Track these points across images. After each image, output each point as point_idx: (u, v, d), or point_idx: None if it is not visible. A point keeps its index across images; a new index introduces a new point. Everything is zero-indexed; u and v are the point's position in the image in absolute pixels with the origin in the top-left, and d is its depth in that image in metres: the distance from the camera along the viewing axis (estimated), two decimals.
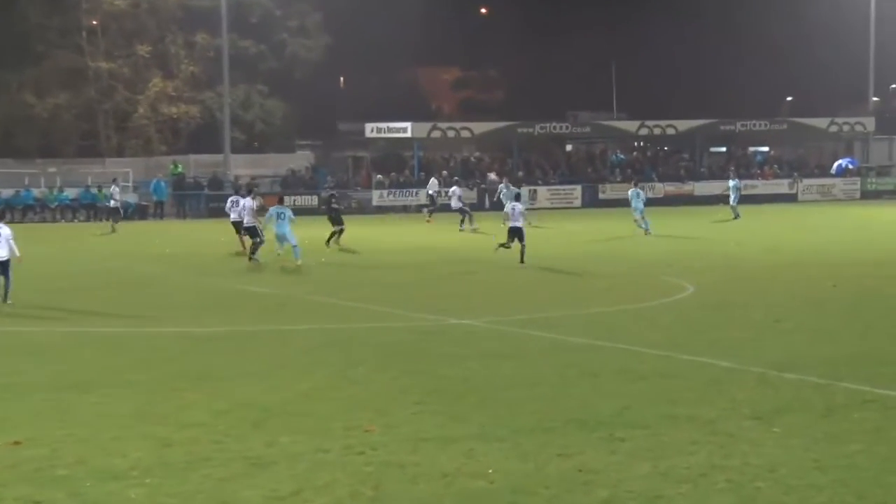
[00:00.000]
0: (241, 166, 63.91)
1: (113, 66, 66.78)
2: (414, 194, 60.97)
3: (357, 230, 45.91)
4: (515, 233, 29.85)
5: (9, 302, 21.93)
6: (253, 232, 31.73)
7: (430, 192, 55.03)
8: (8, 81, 64.74)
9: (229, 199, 35.65)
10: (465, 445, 11.17)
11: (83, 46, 66.63)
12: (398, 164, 66.26)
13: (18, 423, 12.16)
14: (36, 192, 57.71)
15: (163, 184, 58.89)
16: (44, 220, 55.26)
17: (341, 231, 36.10)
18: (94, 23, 67.18)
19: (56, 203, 56.63)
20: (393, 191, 62.34)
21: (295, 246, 30.12)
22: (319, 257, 31.73)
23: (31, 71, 65.34)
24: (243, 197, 33.92)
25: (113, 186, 49.32)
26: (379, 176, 63.52)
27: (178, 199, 59.51)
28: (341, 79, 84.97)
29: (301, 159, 68.15)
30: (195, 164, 64.70)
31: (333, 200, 38.59)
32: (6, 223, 23.33)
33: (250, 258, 30.93)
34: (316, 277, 28.03)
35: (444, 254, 34.34)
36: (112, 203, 48.64)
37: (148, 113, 67.05)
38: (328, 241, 35.46)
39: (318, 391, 13.81)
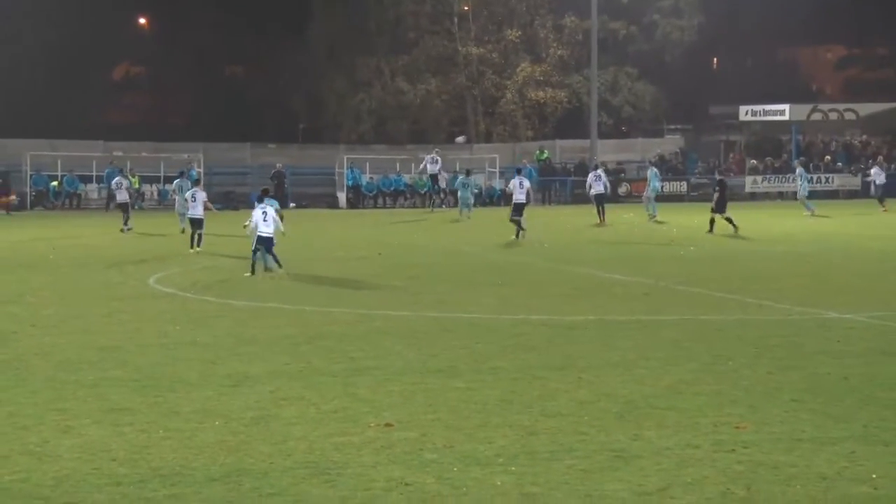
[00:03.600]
0: (608, 151, 63.68)
1: (482, 51, 68.05)
2: (790, 180, 58.77)
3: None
4: None
5: (279, 270, 22.76)
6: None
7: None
8: (381, 69, 67.28)
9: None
10: (845, 447, 10.46)
11: (454, 32, 68.23)
12: (774, 149, 64.04)
13: (390, 405, 12.35)
14: (407, 177, 59.74)
15: (530, 169, 59.57)
16: (413, 206, 57.12)
17: (727, 219, 35.65)
18: (466, 8, 68.67)
19: (425, 189, 58.39)
20: (768, 177, 60.34)
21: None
22: (688, 246, 31.12)
23: (403, 58, 67.59)
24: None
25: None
26: (753, 161, 61.70)
27: (542, 184, 59.98)
28: (714, 60, 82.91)
29: (670, 144, 67.20)
30: (561, 150, 65.05)
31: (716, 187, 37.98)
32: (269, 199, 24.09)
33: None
34: (681, 267, 27.43)
35: (823, 244, 33.00)
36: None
37: (515, 98, 67.97)
38: (710, 228, 35.33)
39: (686, 384, 13.32)
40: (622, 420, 11.60)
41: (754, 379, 13.63)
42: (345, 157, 59.79)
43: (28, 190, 55.98)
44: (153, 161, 58.27)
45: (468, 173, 37.92)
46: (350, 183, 58.96)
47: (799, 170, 48.21)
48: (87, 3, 68.51)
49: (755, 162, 61.54)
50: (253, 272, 25.40)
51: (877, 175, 47.15)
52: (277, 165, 58.84)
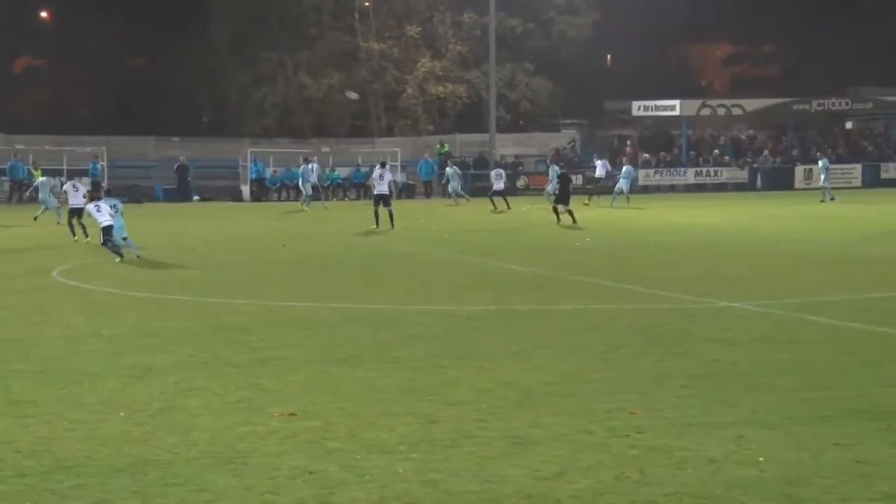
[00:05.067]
0: (506, 145, 64.39)
1: (383, 46, 68.25)
2: (682, 173, 60.20)
3: (621, 211, 45.66)
4: None
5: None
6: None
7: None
8: (284, 63, 67.12)
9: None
10: (734, 431, 10.84)
11: (355, 28, 68.34)
12: (666, 143, 65.34)
13: (293, 395, 12.54)
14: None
15: (430, 163, 59.97)
16: (317, 199, 57.07)
17: (568, 211, 37.24)
18: (367, 4, 68.83)
19: (329, 182, 58.43)
20: (660, 170, 61.69)
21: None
22: (584, 237, 31.58)
23: (305, 53, 67.53)
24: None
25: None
26: (646, 155, 62.92)
27: (442, 177, 60.41)
28: (608, 57, 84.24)
29: (566, 138, 68.08)
30: (461, 144, 65.53)
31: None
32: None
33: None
34: (576, 258, 27.92)
35: (713, 234, 33.71)
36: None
37: (416, 93, 68.26)
38: (557, 219, 37.28)
39: (581, 372, 13.69)
40: (521, 407, 11.91)
41: (646, 366, 14.05)
42: (249, 151, 59.61)
43: None
44: (56, 154, 57.54)
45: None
46: (254, 176, 58.83)
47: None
48: None
49: (648, 156, 62.68)
50: (121, 256, 26.94)
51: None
52: (181, 159, 58.51)
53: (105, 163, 56.90)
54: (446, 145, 64.02)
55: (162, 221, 43.14)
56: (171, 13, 70.44)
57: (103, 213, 27.18)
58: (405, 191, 58.67)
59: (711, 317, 18.10)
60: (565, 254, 28.82)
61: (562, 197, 38.46)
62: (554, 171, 46.69)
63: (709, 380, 13.23)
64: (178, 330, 17.01)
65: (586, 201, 47.58)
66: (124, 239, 27.93)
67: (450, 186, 52.62)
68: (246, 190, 59.06)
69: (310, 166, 51.00)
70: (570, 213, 37.83)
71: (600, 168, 55.17)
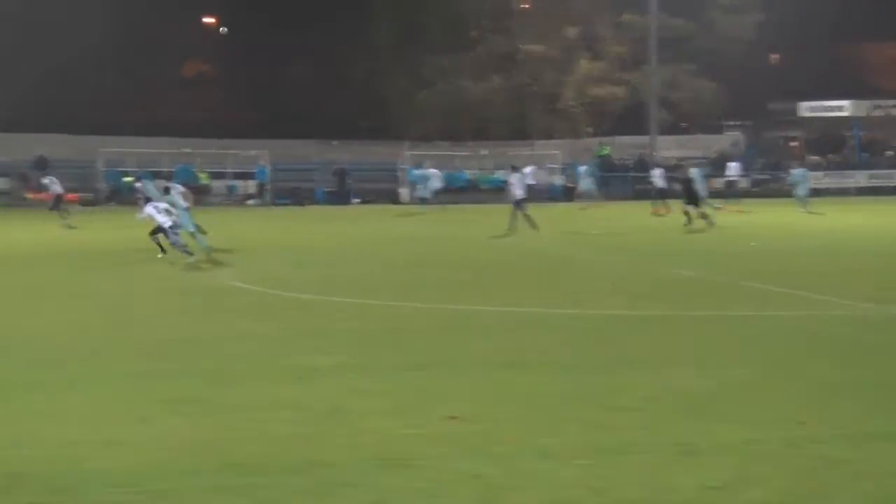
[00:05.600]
0: (667, 147, 63.59)
1: (542, 49, 68.11)
2: (853, 176, 58.47)
3: (793, 215, 44.64)
4: None
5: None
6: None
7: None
8: (444, 66, 67.56)
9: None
10: None
11: (514, 30, 68.37)
12: (835, 145, 63.71)
13: (457, 398, 12.51)
14: (469, 173, 59.94)
15: (592, 165, 59.64)
16: (475, 202, 57.34)
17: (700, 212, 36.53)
18: (526, 6, 68.79)
19: (486, 185, 58.57)
20: (830, 173, 60.10)
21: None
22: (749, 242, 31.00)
23: (465, 56, 67.85)
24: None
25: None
26: (815, 157, 61.46)
27: (603, 180, 60.01)
28: (774, 57, 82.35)
29: (729, 140, 66.98)
30: (621, 146, 65.02)
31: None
32: None
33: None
34: (743, 262, 27.37)
35: (891, 240, 32.81)
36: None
37: (575, 95, 67.96)
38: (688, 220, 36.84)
39: (753, 380, 13.36)
40: (690, 415, 11.66)
41: (819, 374, 13.64)
42: (408, 154, 60.16)
43: (102, 186, 57.19)
44: (221, 158, 59.17)
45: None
46: (413, 179, 59.37)
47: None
48: (155, 2, 69.53)
49: (818, 158, 61.17)
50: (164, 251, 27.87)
51: None
52: (340, 162, 59.43)
53: (268, 165, 58.14)
54: (606, 147, 63.53)
55: (322, 223, 43.80)
56: (333, 19, 71.54)
57: (162, 214, 27.87)
58: (564, 194, 58.39)
59: (889, 324, 17.49)
60: (732, 259, 28.29)
61: (692, 198, 37.77)
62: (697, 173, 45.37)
63: (887, 390, 12.78)
64: (342, 332, 17.15)
65: (718, 206, 46.07)
66: (191, 234, 28.95)
67: (583, 184, 51.75)
68: (405, 193, 59.62)
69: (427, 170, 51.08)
70: (705, 215, 37.28)
71: (733, 170, 53.85)
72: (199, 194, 58.47)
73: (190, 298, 21.29)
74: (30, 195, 50.53)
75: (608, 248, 31.53)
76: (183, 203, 29.18)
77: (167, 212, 28.16)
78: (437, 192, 51.02)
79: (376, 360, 14.80)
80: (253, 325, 17.96)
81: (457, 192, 58.84)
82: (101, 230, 39.72)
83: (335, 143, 63.94)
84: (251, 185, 59.52)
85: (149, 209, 28.51)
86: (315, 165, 61.75)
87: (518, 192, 37.39)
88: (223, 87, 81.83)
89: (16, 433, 10.95)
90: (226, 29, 60.65)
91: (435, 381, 13.42)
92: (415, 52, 67.08)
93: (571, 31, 67.72)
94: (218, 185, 59.77)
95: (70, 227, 40.08)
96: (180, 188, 30.79)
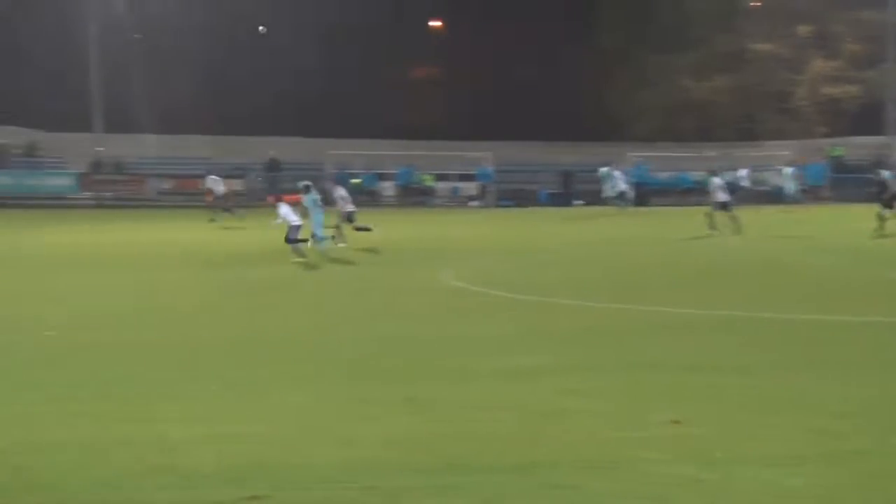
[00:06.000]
0: None
1: (771, 47, 66.53)
2: None
3: None
4: None
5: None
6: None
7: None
8: (668, 66, 66.78)
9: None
10: None
11: (742, 29, 67.02)
12: None
13: (677, 401, 12.33)
14: (694, 175, 59.02)
15: (821, 167, 57.91)
16: (699, 204, 56.41)
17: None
18: (756, 4, 67.33)
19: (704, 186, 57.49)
20: None
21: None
22: None
23: (690, 55, 66.90)
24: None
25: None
26: None
27: (836, 182, 58.18)
28: None
29: None
30: (856, 147, 62.88)
31: None
32: None
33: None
34: None
35: None
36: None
37: (807, 94, 66.10)
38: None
39: None
40: None
41: None
42: (631, 155, 59.71)
43: (329, 187, 58.75)
44: (446, 160, 60.09)
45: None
46: (636, 180, 58.85)
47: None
48: (385, 7, 71.14)
49: None
50: (302, 255, 28.28)
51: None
52: (564, 164, 59.43)
53: (493, 167, 58.65)
54: (839, 148, 61.54)
55: (544, 224, 43.88)
56: (557, 21, 71.63)
57: (291, 213, 28.74)
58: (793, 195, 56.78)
59: None
60: None
61: (890, 201, 36.57)
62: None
63: None
64: (558, 333, 17.16)
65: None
66: (314, 235, 30.13)
67: (788, 187, 49.88)
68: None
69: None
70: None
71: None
72: (424, 196, 59.57)
73: (411, 298, 21.63)
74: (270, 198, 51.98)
75: (819, 250, 30.58)
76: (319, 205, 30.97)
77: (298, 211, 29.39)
78: (623, 193, 50.61)
79: (594, 362, 14.74)
80: (473, 325, 18.12)
81: (684, 193, 58.05)
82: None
83: (560, 144, 63.97)
84: (474, 187, 60.16)
85: (283, 209, 29.27)
86: (539, 167, 61.92)
87: (720, 195, 37.73)
88: (448, 89, 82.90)
89: (252, 428, 11.32)
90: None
91: (651, 384, 13.27)
92: (639, 52, 66.53)
93: (803, 30, 65.93)
94: (442, 186, 60.64)
95: (213, 220, 41.27)
96: (342, 191, 33.24)
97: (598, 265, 28.13)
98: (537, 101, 75.41)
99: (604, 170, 52.30)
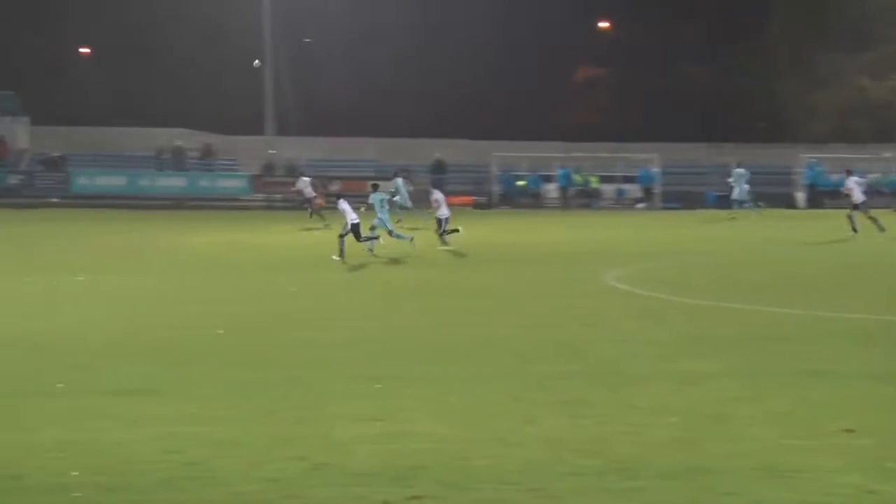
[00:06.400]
0: None
1: None
2: None
3: None
4: None
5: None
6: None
7: None
8: (843, 65, 65.03)
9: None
10: None
11: None
12: None
13: (847, 410, 12.02)
14: (871, 177, 57.32)
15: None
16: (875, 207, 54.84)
17: None
18: None
19: (889, 188, 55.89)
20: None
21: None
22: None
23: (867, 54, 65.02)
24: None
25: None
26: None
27: None
28: None
29: None
30: None
31: None
32: None
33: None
34: None
35: None
36: None
37: None
38: None
39: None
40: None
41: None
42: (803, 156, 58.41)
43: (495, 189, 59.16)
44: (610, 161, 59.69)
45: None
46: (808, 182, 57.55)
47: None
48: (551, 9, 71.09)
49: None
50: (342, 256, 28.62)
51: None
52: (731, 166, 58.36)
53: (658, 169, 58.06)
54: None
55: (707, 227, 43.31)
56: (727, 20, 70.48)
57: (350, 212, 29.38)
58: None
59: None
60: None
61: None
62: None
63: None
64: (725, 338, 16.89)
65: None
66: (390, 232, 31.18)
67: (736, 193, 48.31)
68: (801, 197, 57.90)
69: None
70: None
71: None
72: (589, 198, 59.23)
73: (575, 301, 21.53)
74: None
75: None
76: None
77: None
78: (749, 193, 49.30)
79: (762, 368, 14.48)
80: (639, 328, 17.97)
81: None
82: (490, 232, 40.87)
83: (729, 145, 62.82)
84: (638, 189, 59.61)
85: (343, 205, 29.83)
86: (707, 169, 60.95)
87: (858, 195, 37.30)
88: (614, 90, 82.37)
89: (415, 427, 11.45)
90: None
91: (821, 392, 12.98)
92: (811, 52, 64.95)
93: None
94: (607, 188, 60.27)
95: (308, 229, 41.35)
96: (438, 195, 33.35)
97: (763, 268, 27.58)
98: (705, 102, 74.32)
99: (739, 171, 51.18)
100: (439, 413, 12.04)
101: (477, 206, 56.13)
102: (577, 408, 12.23)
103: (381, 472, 9.89)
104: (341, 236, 29.29)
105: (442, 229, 32.70)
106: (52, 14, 69.48)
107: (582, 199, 59.15)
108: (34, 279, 25.08)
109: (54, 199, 56.34)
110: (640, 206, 58.29)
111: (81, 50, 73.49)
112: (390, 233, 31.32)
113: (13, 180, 59.17)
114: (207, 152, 61.92)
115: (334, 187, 48.87)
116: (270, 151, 61.16)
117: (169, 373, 14.34)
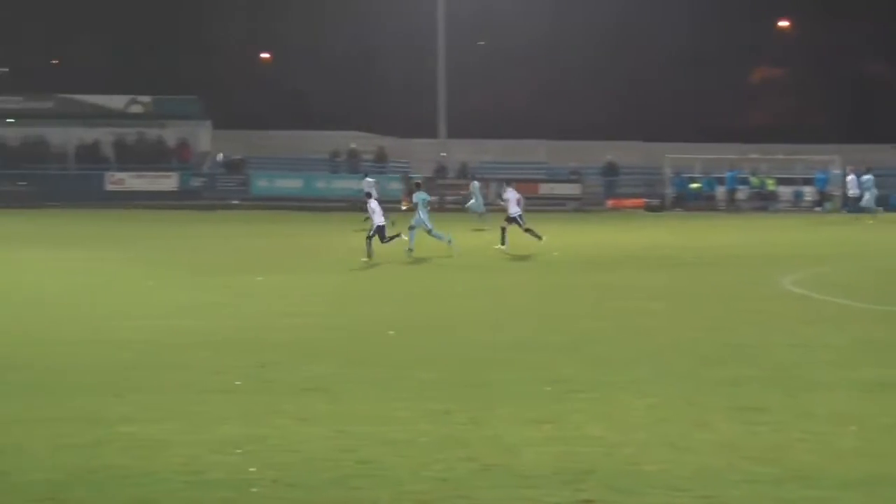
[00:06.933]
0: None
1: None
2: None
3: None
4: None
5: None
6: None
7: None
8: None
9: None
10: None
11: None
12: None
13: None
14: None
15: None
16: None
17: None
18: None
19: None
20: None
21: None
22: None
23: None
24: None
25: None
26: None
27: None
28: None
29: None
30: None
31: None
32: None
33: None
34: None
35: None
36: None
37: None
38: None
39: None
40: None
41: None
42: None
43: (668, 191, 58.54)
44: (787, 163, 58.40)
45: None
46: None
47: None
48: (727, 9, 70.03)
49: None
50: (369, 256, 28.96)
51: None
52: None
53: (839, 171, 56.48)
54: None
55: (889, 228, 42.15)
56: None
57: (379, 213, 29.48)
58: None
59: None
60: None
61: None
62: None
63: None
64: None
65: None
66: (429, 231, 30.96)
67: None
68: None
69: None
70: None
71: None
72: (766, 200, 58.00)
73: (752, 304, 21.10)
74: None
75: None
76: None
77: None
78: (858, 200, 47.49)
79: None
80: (814, 333, 17.55)
81: None
82: (663, 234, 40.41)
83: None
84: (817, 191, 58.11)
85: (373, 204, 29.78)
86: (893, 171, 58.97)
87: None
88: (792, 90, 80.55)
89: (585, 431, 11.38)
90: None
91: None
92: None
93: None
94: (785, 190, 58.91)
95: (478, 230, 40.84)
96: (510, 194, 32.55)
97: None
98: (891, 101, 72.05)
99: (865, 177, 49.44)
100: (610, 417, 11.95)
101: (649, 208, 55.66)
102: (753, 414, 11.99)
103: (551, 474, 9.86)
104: (369, 238, 29.61)
105: (523, 227, 32.19)
106: (234, 19, 71.45)
107: (758, 201, 57.98)
108: (220, 280, 25.68)
109: (235, 201, 57.90)
110: (818, 209, 56.78)
111: (262, 55, 75.33)
112: (429, 232, 31.19)
113: (196, 183, 61.00)
114: (381, 155, 62.73)
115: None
116: (441, 154, 61.60)
117: (344, 371, 14.54)
